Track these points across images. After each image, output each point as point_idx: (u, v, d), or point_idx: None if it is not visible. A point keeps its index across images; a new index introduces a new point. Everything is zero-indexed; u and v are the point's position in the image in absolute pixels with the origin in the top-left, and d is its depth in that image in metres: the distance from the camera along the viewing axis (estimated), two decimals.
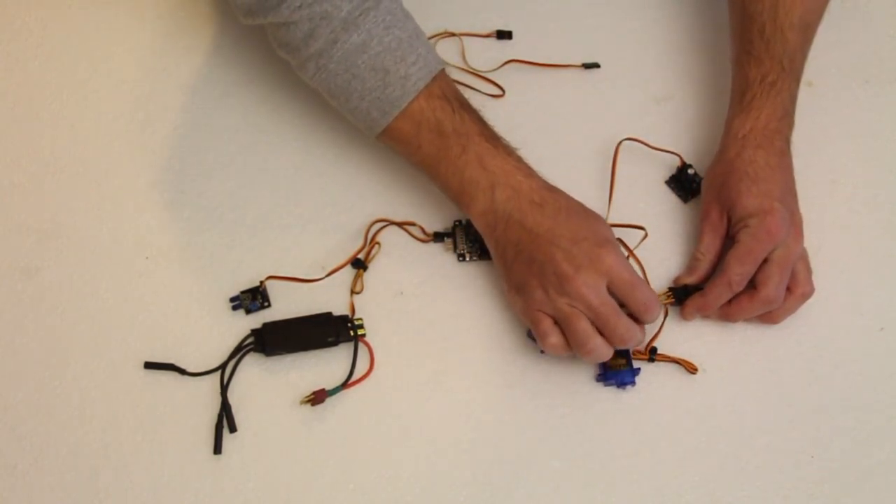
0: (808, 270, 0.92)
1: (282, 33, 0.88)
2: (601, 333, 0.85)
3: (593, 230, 0.86)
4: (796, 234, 0.91)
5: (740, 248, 0.89)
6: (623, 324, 0.84)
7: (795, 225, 0.91)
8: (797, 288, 0.91)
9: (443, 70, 0.90)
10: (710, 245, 0.93)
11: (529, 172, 0.89)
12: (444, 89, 0.89)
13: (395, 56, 0.87)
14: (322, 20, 0.86)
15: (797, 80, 0.95)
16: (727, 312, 0.92)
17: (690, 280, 0.93)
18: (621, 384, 0.89)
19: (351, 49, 0.87)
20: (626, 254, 0.92)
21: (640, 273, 0.93)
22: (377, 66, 0.87)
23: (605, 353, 0.85)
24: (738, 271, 0.89)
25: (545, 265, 0.85)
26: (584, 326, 0.84)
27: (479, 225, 0.90)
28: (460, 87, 1.02)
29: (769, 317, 0.92)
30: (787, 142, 0.93)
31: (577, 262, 0.84)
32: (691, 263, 0.94)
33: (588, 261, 0.84)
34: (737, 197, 0.91)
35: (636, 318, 0.86)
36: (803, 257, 0.92)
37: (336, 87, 0.89)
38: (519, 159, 0.89)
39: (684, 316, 0.93)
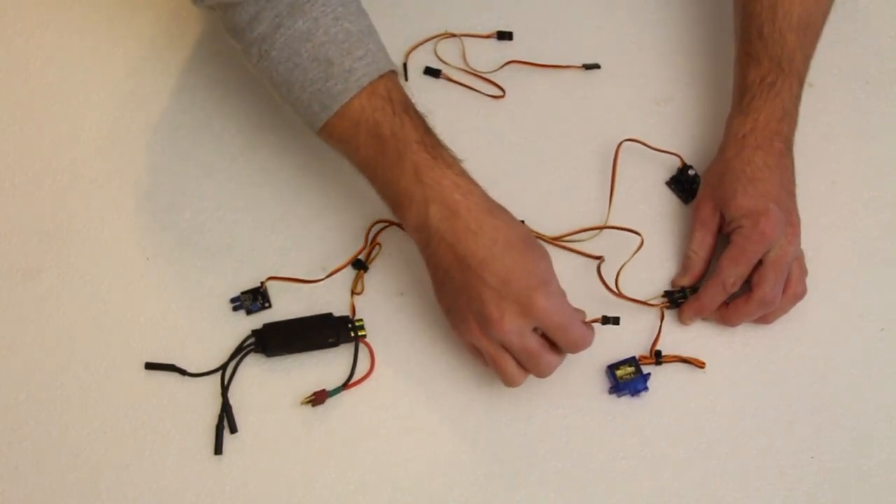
0: (803, 271, 0.92)
1: (229, 15, 0.85)
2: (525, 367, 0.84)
3: (528, 270, 0.82)
4: (792, 234, 0.90)
5: (734, 250, 0.89)
6: (544, 362, 0.84)
7: (792, 225, 0.91)
8: (789, 288, 0.91)
9: (394, 72, 0.86)
10: (702, 242, 0.93)
11: (469, 190, 0.84)
12: (391, 90, 0.85)
13: (342, 48, 0.84)
14: (268, 3, 0.83)
15: (799, 81, 0.95)
16: (726, 316, 0.91)
17: (685, 281, 0.93)
18: (635, 392, 0.89)
19: (295, 36, 0.83)
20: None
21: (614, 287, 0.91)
22: (320, 56, 0.84)
23: (519, 382, 0.85)
24: (731, 273, 0.89)
25: (473, 301, 0.82)
26: (508, 368, 0.84)
27: (413, 238, 0.86)
28: (461, 88, 1.02)
29: (762, 317, 0.92)
30: (787, 142, 0.93)
31: (503, 306, 0.81)
32: (684, 262, 0.94)
33: (517, 304, 0.81)
34: (732, 196, 0.90)
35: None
36: (798, 258, 0.92)
37: (278, 76, 0.85)
38: (460, 173, 0.84)
39: (682, 320, 0.92)
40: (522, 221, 0.90)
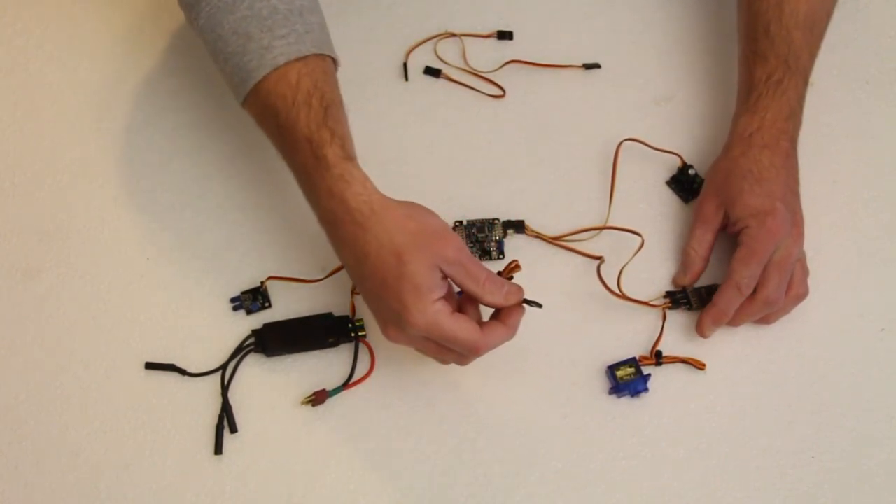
0: (805, 272, 0.92)
1: None
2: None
3: (394, 290, 0.78)
4: (797, 235, 0.90)
5: (743, 251, 0.89)
6: (453, 360, 0.83)
7: (796, 225, 0.91)
8: (792, 289, 0.90)
9: (321, 57, 0.83)
10: (702, 239, 0.92)
11: (345, 194, 0.79)
12: (302, 77, 0.81)
13: (263, 25, 0.82)
14: None
15: (805, 79, 0.94)
16: (724, 320, 0.91)
17: (686, 279, 0.93)
18: (635, 393, 0.89)
19: (220, 6, 0.82)
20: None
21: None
22: (241, 30, 0.82)
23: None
24: (745, 274, 0.88)
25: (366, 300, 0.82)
26: (431, 357, 0.83)
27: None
28: (461, 88, 1.02)
29: (764, 318, 0.92)
30: (793, 142, 0.93)
31: (384, 319, 0.80)
32: (684, 260, 0.93)
33: (394, 323, 0.80)
34: (738, 195, 0.90)
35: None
36: (801, 259, 0.92)
37: (206, 45, 0.85)
38: (339, 177, 0.80)
39: (702, 333, 0.91)
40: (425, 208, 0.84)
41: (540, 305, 0.83)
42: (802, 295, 0.91)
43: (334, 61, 0.87)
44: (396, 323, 0.80)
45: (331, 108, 0.82)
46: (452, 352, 0.81)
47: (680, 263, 0.94)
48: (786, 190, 0.91)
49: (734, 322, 0.91)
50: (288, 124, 0.81)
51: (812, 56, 0.96)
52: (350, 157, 0.81)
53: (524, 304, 0.83)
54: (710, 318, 0.90)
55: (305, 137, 0.81)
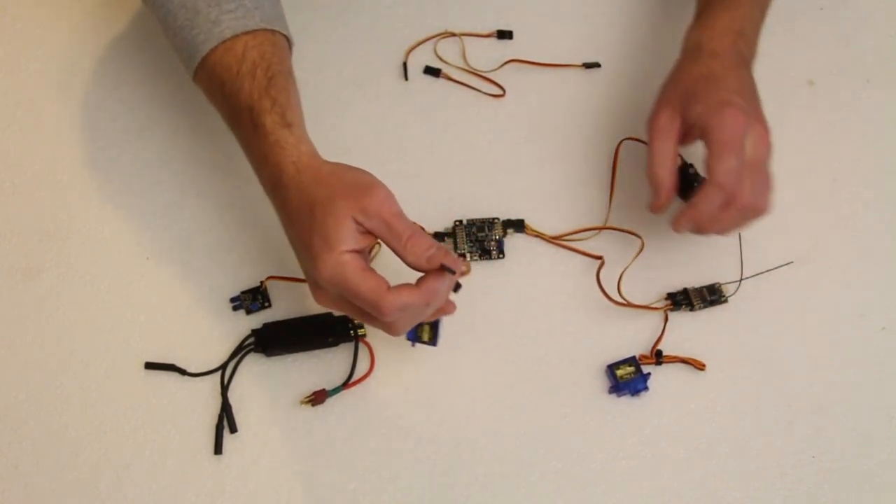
0: (768, 185, 0.85)
1: None
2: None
3: (307, 243, 0.77)
4: (761, 132, 0.84)
5: (714, 147, 0.83)
6: (369, 321, 0.80)
7: (759, 121, 0.85)
8: (752, 199, 0.84)
9: (270, 32, 0.83)
10: (663, 153, 0.86)
11: (278, 158, 0.79)
12: (248, 49, 0.82)
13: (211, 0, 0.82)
14: None
15: (760, 8, 0.92)
16: (701, 223, 0.86)
17: (660, 202, 0.87)
18: (635, 392, 0.89)
19: None
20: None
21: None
22: (188, 4, 0.82)
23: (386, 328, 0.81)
24: (723, 169, 0.82)
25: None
26: (358, 319, 0.82)
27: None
28: (461, 87, 1.02)
29: (722, 226, 0.85)
30: (744, 59, 0.89)
31: (307, 277, 0.79)
32: (651, 182, 0.87)
33: (310, 278, 0.79)
34: (692, 95, 0.86)
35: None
36: (767, 166, 0.85)
37: (158, 20, 0.85)
38: (275, 143, 0.79)
39: (675, 227, 0.86)
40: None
41: (454, 272, 0.77)
42: (759, 208, 0.85)
43: (288, 40, 0.86)
44: (312, 278, 0.78)
45: (275, 78, 0.82)
46: (367, 313, 0.78)
47: (650, 189, 0.87)
48: (741, 87, 0.87)
49: (706, 228, 0.86)
50: (232, 94, 0.81)
51: None
52: (288, 124, 0.80)
53: (445, 271, 0.77)
54: (687, 217, 0.86)
55: (247, 106, 0.81)
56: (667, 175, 0.86)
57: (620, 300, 0.91)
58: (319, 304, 0.81)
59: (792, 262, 0.95)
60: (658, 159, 0.86)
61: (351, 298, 0.77)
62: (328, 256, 0.76)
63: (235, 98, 0.81)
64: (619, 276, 0.92)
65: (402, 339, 0.90)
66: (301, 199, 0.78)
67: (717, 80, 0.87)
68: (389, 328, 0.80)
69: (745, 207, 0.84)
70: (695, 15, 0.95)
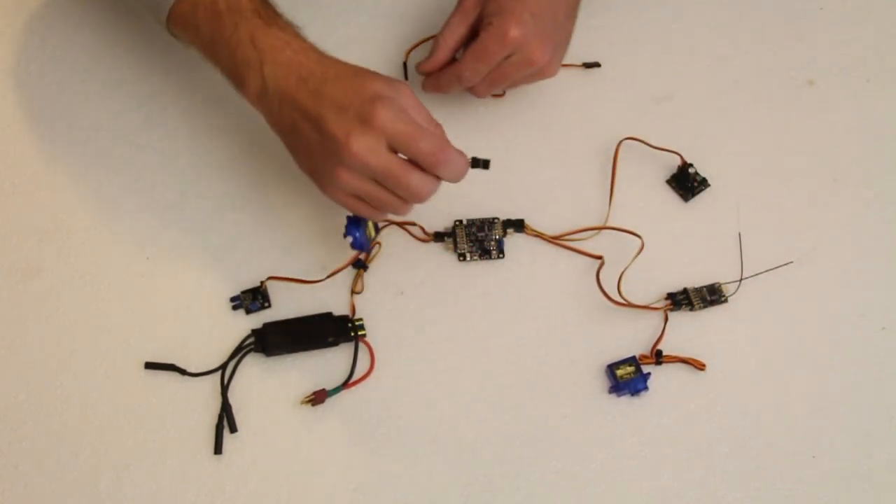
0: (538, 75, 0.93)
1: None
2: (396, 194, 0.82)
3: (359, 90, 0.80)
4: (544, 52, 0.90)
5: (477, 45, 0.90)
6: (413, 179, 0.81)
7: (547, 42, 0.90)
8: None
9: None
10: (454, 29, 0.93)
11: (301, 47, 0.83)
12: None
13: None
14: None
15: None
16: (437, 84, 0.94)
17: (427, 66, 0.94)
18: (635, 392, 0.89)
19: None
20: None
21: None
22: None
23: (406, 209, 0.85)
24: (470, 67, 0.90)
25: (325, 143, 0.80)
26: (376, 195, 0.82)
27: (259, 110, 0.85)
28: None
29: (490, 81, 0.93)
30: None
31: (346, 129, 0.79)
32: (432, 47, 0.94)
33: (358, 123, 0.79)
34: None
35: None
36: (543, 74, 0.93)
37: None
38: (294, 35, 0.83)
39: (424, 89, 0.95)
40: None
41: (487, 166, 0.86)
42: (547, 72, 0.93)
43: None
44: (336, 160, 0.80)
45: None
46: (404, 174, 0.80)
47: (430, 51, 0.95)
48: (545, 10, 0.90)
49: (441, 89, 0.95)
50: (229, 5, 0.83)
51: None
52: (283, 22, 0.84)
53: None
54: (430, 84, 0.95)
55: (251, 10, 0.84)
56: (446, 50, 0.93)
57: (620, 300, 0.91)
58: (333, 198, 0.83)
59: (792, 262, 0.95)
60: (448, 32, 0.93)
61: (408, 139, 0.79)
62: (389, 102, 0.79)
63: (234, 6, 0.83)
64: (619, 276, 0.92)
65: (401, 339, 0.91)
66: (338, 70, 0.81)
67: None
68: (413, 194, 0.82)
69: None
70: None
